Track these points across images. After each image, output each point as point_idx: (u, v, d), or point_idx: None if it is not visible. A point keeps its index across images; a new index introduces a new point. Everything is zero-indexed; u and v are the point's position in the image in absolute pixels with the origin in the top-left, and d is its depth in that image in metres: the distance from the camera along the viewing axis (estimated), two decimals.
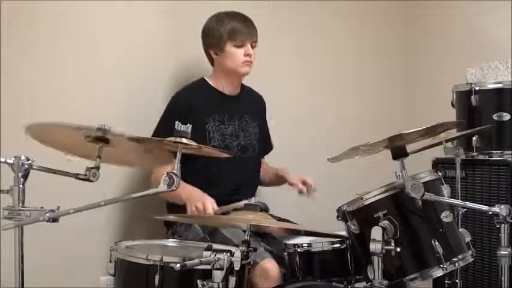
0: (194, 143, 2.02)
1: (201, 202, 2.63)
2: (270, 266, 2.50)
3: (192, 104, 2.92)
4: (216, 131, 2.95)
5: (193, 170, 2.72)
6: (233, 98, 3.06)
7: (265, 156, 3.24)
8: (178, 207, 2.83)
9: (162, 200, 2.98)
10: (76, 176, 2.06)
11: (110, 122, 2.00)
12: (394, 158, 2.20)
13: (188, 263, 1.88)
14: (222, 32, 2.93)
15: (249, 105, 3.11)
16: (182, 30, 3.19)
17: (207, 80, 3.05)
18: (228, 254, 1.88)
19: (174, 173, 1.89)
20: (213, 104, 2.99)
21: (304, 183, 2.97)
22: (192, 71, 3.15)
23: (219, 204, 2.78)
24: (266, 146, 3.20)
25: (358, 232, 2.25)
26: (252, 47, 2.96)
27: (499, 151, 3.10)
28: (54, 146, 2.17)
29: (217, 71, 3.03)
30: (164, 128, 2.79)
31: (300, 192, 2.97)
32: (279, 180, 3.14)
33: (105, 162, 2.07)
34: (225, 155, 2.38)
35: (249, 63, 2.96)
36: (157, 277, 2.03)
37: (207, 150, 2.30)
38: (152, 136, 2.80)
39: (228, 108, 3.01)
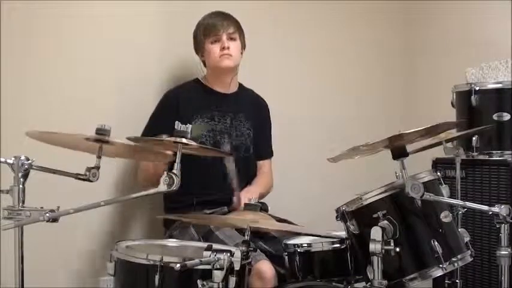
0: (194, 143, 2.03)
1: None
2: (265, 268, 2.50)
3: (179, 101, 2.93)
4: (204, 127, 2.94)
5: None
6: (227, 96, 3.04)
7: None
8: (177, 208, 2.84)
9: (161, 200, 2.98)
10: (76, 176, 2.06)
11: (108, 121, 2.00)
12: (394, 158, 2.20)
13: (188, 263, 1.88)
14: (199, 33, 2.97)
15: (245, 105, 3.07)
16: (178, 29, 3.18)
17: (200, 79, 3.06)
18: (228, 254, 1.87)
19: (174, 173, 1.89)
20: (203, 101, 2.98)
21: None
22: (188, 71, 3.15)
23: (210, 204, 2.78)
24: (261, 150, 3.11)
25: (357, 232, 2.25)
26: (230, 39, 2.93)
27: (499, 151, 3.10)
28: (56, 144, 2.18)
29: (208, 71, 3.05)
30: (154, 125, 2.86)
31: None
32: None
33: (106, 156, 2.07)
34: (223, 155, 2.38)
35: (228, 56, 2.93)
36: (157, 277, 2.02)
37: (207, 150, 2.30)
38: (142, 134, 2.83)
39: (220, 106, 3.00)
